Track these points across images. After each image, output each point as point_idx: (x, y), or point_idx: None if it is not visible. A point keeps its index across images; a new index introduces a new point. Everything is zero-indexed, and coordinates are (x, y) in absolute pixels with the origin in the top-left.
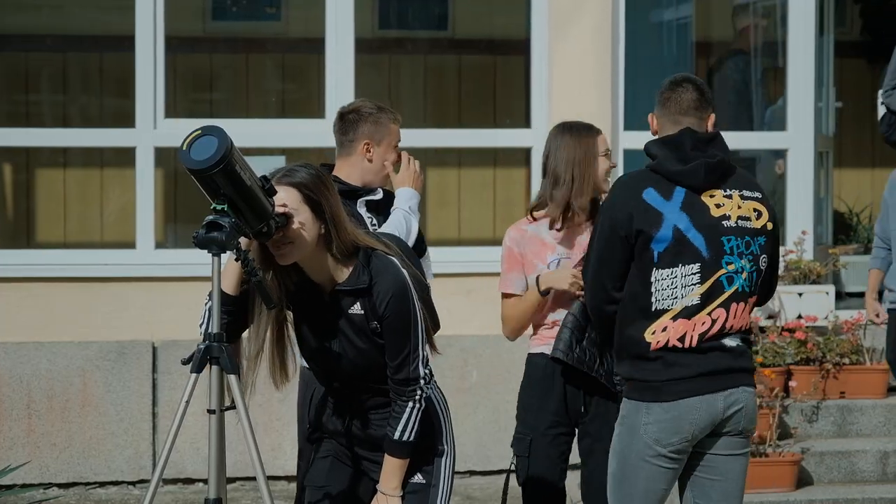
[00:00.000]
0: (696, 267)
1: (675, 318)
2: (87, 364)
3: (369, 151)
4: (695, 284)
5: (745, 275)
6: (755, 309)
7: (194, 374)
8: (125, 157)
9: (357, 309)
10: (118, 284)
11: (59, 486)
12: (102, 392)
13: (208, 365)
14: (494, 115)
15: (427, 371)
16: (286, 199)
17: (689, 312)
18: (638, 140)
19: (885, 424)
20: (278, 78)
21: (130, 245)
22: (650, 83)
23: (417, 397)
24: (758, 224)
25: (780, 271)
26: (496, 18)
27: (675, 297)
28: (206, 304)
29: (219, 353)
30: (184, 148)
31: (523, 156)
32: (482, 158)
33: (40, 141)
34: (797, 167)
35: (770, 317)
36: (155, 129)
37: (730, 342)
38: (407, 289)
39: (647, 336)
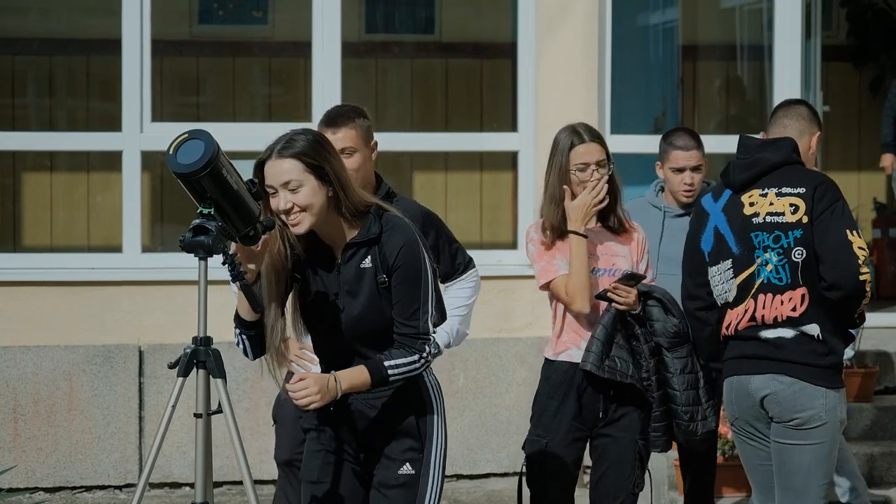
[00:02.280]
0: (729, 263)
1: (730, 309)
2: (74, 368)
3: None
4: (731, 279)
5: (770, 267)
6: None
7: (181, 378)
8: (112, 161)
9: (367, 263)
10: (105, 288)
11: (46, 490)
12: (89, 396)
13: (195, 369)
14: (481, 118)
15: (434, 332)
16: (290, 170)
17: (733, 304)
18: (625, 144)
19: (871, 428)
20: (265, 82)
21: (117, 249)
22: (637, 87)
23: (425, 354)
24: (793, 218)
25: None
26: (483, 22)
27: (725, 291)
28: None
29: (205, 356)
30: (170, 152)
31: (510, 159)
32: (469, 162)
33: (27, 144)
34: None
35: None
36: (141, 132)
37: (768, 334)
38: (418, 242)
39: (722, 328)
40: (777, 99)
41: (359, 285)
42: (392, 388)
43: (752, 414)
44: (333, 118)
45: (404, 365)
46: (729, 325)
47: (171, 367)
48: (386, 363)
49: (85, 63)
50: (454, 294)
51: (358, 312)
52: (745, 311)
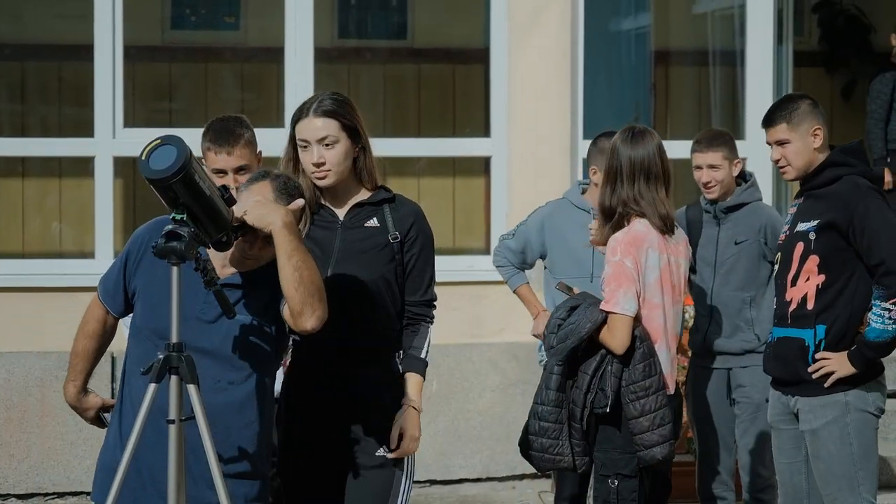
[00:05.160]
0: None
1: None
2: (46, 374)
3: None
4: None
5: None
6: None
7: (153, 384)
8: (84, 167)
9: (373, 222)
10: (77, 294)
11: (18, 497)
12: (61, 402)
13: (167, 375)
14: (454, 123)
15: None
16: (326, 128)
17: None
18: None
19: None
20: (237, 87)
21: (89, 255)
22: (609, 92)
23: (431, 318)
24: None
25: None
26: (455, 27)
27: None
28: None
29: (178, 363)
30: (143, 157)
31: (482, 165)
32: (441, 167)
33: None
34: (756, 176)
35: None
36: (114, 138)
37: None
38: (424, 216)
39: None
40: (749, 104)
41: (360, 244)
42: (366, 366)
43: None
44: (226, 138)
45: (428, 341)
46: None
47: (144, 373)
48: (422, 356)
49: (57, 69)
50: None
51: (354, 271)
52: None
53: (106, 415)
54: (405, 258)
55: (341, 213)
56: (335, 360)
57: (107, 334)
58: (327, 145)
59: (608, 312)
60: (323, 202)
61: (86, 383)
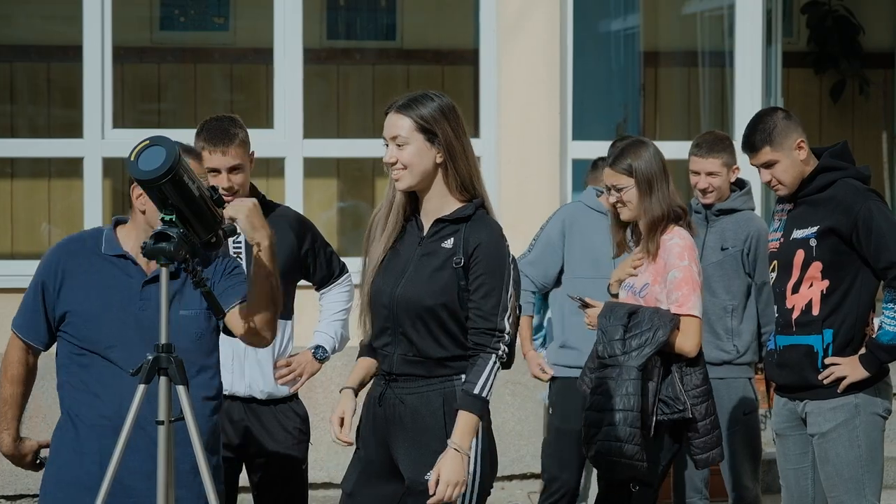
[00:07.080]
0: None
1: None
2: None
3: None
4: None
5: None
6: None
7: (142, 385)
8: (73, 168)
9: (449, 244)
10: None
11: (6, 498)
12: (50, 403)
13: (157, 376)
14: None
15: (510, 332)
16: (400, 127)
17: None
18: (586, 150)
19: None
20: (226, 88)
21: None
22: (598, 93)
23: (500, 352)
24: None
25: None
26: (444, 28)
27: None
28: None
29: (167, 363)
30: (132, 158)
31: None
32: None
33: None
34: (744, 177)
35: None
36: (103, 139)
37: None
38: (504, 242)
39: None
40: (738, 105)
41: (430, 267)
42: (427, 382)
43: None
44: (221, 137)
45: (488, 374)
46: None
47: (134, 374)
48: (475, 391)
49: (46, 70)
50: (333, 299)
51: (417, 293)
52: None
53: (44, 452)
54: (470, 284)
55: (427, 225)
56: (389, 381)
57: (30, 375)
58: (399, 145)
59: (684, 315)
60: (417, 213)
61: (19, 429)
